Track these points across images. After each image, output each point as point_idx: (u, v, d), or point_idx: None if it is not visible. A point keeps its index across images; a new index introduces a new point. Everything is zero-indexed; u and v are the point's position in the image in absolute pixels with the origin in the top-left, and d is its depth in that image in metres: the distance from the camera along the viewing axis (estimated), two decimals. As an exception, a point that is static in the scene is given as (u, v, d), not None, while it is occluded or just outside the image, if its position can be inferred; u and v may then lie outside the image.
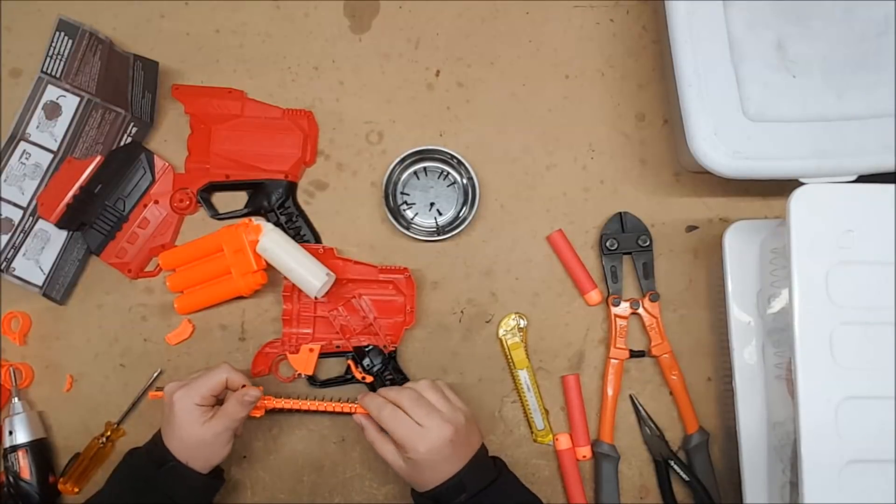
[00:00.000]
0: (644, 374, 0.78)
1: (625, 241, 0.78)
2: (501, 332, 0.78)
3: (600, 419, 0.76)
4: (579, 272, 0.78)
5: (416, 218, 0.80)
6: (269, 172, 0.79)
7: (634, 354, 0.77)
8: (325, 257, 0.76)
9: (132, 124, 0.78)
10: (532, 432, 0.77)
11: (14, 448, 0.74)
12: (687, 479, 0.74)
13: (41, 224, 0.75)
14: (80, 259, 0.78)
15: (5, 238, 0.74)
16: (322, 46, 0.83)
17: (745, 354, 0.72)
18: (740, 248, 0.73)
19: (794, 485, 0.65)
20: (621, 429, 0.77)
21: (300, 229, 0.79)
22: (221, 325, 0.79)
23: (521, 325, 0.78)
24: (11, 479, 0.73)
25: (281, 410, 0.72)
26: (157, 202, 0.79)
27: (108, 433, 0.76)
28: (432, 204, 0.80)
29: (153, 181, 0.79)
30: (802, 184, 0.61)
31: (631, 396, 0.77)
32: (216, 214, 0.79)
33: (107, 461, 0.76)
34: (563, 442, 0.76)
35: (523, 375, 0.77)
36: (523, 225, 0.80)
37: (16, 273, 0.75)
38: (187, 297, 0.77)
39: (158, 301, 0.79)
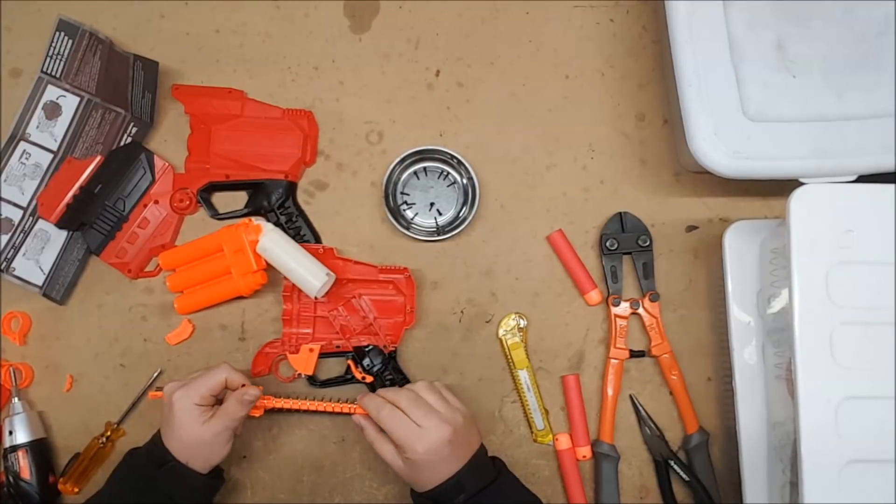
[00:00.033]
0: (644, 374, 0.78)
1: (625, 241, 0.78)
2: (501, 332, 0.78)
3: (600, 419, 0.76)
4: (579, 272, 0.78)
5: (416, 218, 0.80)
6: (269, 172, 0.79)
7: (634, 354, 0.77)
8: (325, 257, 0.76)
9: (132, 124, 0.78)
10: (532, 432, 0.77)
11: (14, 448, 0.74)
12: (687, 479, 0.74)
13: (41, 224, 0.75)
14: (80, 259, 0.78)
15: (5, 238, 0.74)
16: (322, 46, 0.83)
17: (745, 354, 0.72)
18: (740, 248, 0.73)
19: (794, 485, 0.65)
20: (621, 429, 0.77)
21: (300, 229, 0.79)
22: (221, 325, 0.79)
23: (521, 325, 0.78)
24: (11, 479, 0.73)
25: (280, 410, 0.72)
26: (157, 202, 0.79)
27: (108, 433, 0.76)
28: (432, 204, 0.80)
29: (153, 181, 0.79)
30: (802, 184, 0.61)
31: (631, 396, 0.77)
32: (216, 214, 0.79)
33: (107, 461, 0.76)
34: (563, 442, 0.76)
35: (523, 375, 0.77)
36: (523, 225, 0.80)
37: (16, 273, 0.75)
38: (187, 297, 0.77)
39: (158, 301, 0.79)
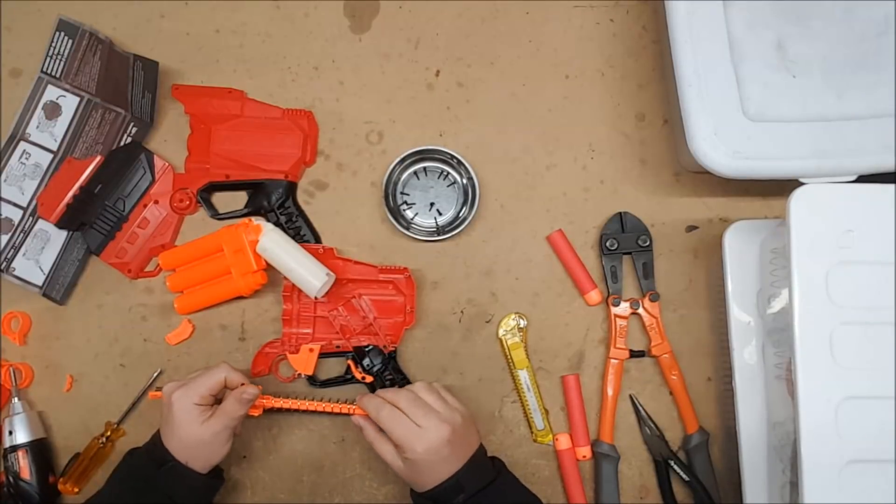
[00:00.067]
0: (644, 374, 0.78)
1: (625, 241, 0.78)
2: (501, 332, 0.78)
3: (600, 419, 0.76)
4: (579, 272, 0.78)
5: (416, 218, 0.80)
6: (269, 172, 0.79)
7: (634, 354, 0.77)
8: (325, 257, 0.76)
9: (132, 124, 0.78)
10: (532, 432, 0.77)
11: (14, 448, 0.74)
12: (687, 479, 0.74)
13: (41, 224, 0.75)
14: (80, 259, 0.78)
15: (5, 238, 0.74)
16: (322, 46, 0.83)
17: (745, 354, 0.72)
18: (740, 248, 0.73)
19: (794, 485, 0.65)
20: (621, 429, 0.77)
21: (300, 229, 0.79)
22: (221, 325, 0.79)
23: (521, 325, 0.78)
24: (11, 479, 0.73)
25: (280, 410, 0.72)
26: (157, 202, 0.79)
27: (108, 433, 0.76)
28: (432, 204, 0.80)
29: (153, 181, 0.79)
30: (802, 184, 0.61)
31: (631, 396, 0.77)
32: (216, 214, 0.79)
33: (107, 461, 0.76)
34: (563, 442, 0.76)
35: (523, 375, 0.77)
36: (523, 225, 0.80)
37: (16, 273, 0.75)
38: (187, 297, 0.77)
39: (158, 301, 0.79)
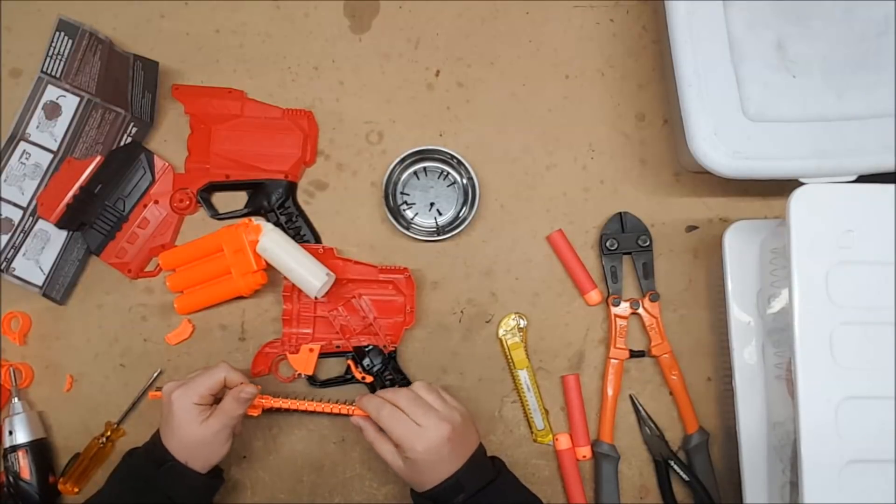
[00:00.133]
0: (644, 374, 0.78)
1: (625, 241, 0.78)
2: (501, 332, 0.78)
3: (600, 419, 0.76)
4: (579, 272, 0.78)
5: (416, 218, 0.80)
6: (269, 172, 0.79)
7: (634, 354, 0.77)
8: (325, 257, 0.76)
9: (132, 124, 0.78)
10: (532, 432, 0.77)
11: (14, 448, 0.74)
12: (687, 479, 0.74)
13: (41, 224, 0.75)
14: (80, 259, 0.78)
15: (5, 238, 0.74)
16: (322, 46, 0.83)
17: (745, 354, 0.72)
18: (740, 248, 0.73)
19: (794, 485, 0.65)
20: (621, 429, 0.77)
21: (300, 229, 0.79)
22: (221, 325, 0.79)
23: (521, 325, 0.78)
24: (11, 479, 0.73)
25: (280, 410, 0.72)
26: (157, 202, 0.79)
27: (108, 433, 0.76)
28: (432, 204, 0.80)
29: (153, 181, 0.79)
30: (802, 184, 0.61)
31: (631, 396, 0.77)
32: (216, 214, 0.79)
33: (107, 461, 0.76)
34: (563, 442, 0.76)
35: (523, 375, 0.77)
36: (523, 225, 0.80)
37: (16, 273, 0.75)
38: (187, 297, 0.77)
39: (158, 301, 0.79)
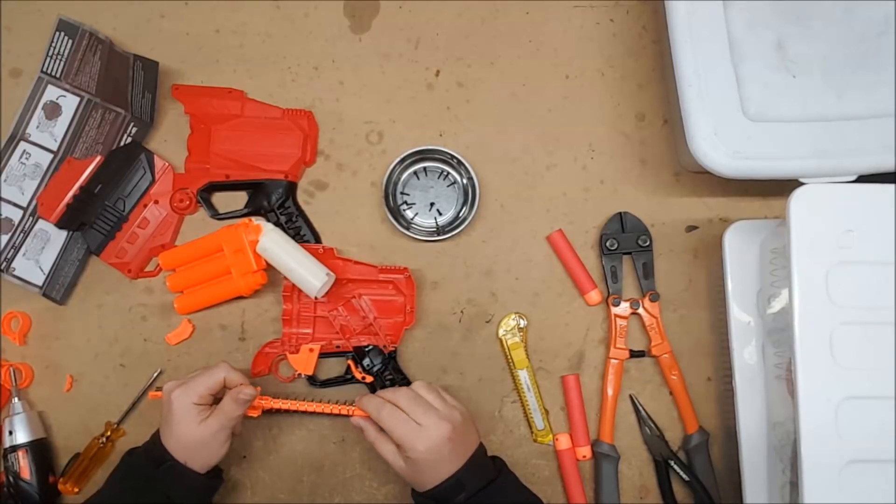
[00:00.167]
0: (644, 374, 0.78)
1: (625, 241, 0.78)
2: (501, 332, 0.78)
3: (600, 419, 0.76)
4: (579, 272, 0.78)
5: (416, 218, 0.80)
6: (269, 172, 0.79)
7: (634, 354, 0.77)
8: (325, 257, 0.76)
9: (132, 124, 0.78)
10: (532, 432, 0.77)
11: (14, 448, 0.74)
12: (687, 479, 0.74)
13: (41, 224, 0.75)
14: (80, 259, 0.78)
15: (5, 238, 0.74)
16: (322, 46, 0.83)
17: (745, 354, 0.72)
18: (740, 248, 0.73)
19: (794, 485, 0.65)
20: (621, 429, 0.77)
21: (300, 229, 0.79)
22: (221, 325, 0.79)
23: (521, 325, 0.78)
24: (11, 479, 0.73)
25: (280, 410, 0.72)
26: (157, 202, 0.79)
27: (108, 433, 0.76)
28: (432, 204, 0.80)
29: (153, 181, 0.79)
30: (802, 184, 0.61)
31: (631, 396, 0.77)
32: (216, 214, 0.79)
33: (107, 461, 0.76)
34: (563, 442, 0.76)
35: (523, 375, 0.77)
36: (523, 225, 0.80)
37: (16, 273, 0.75)
38: (187, 297, 0.77)
39: (158, 301, 0.79)
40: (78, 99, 0.74)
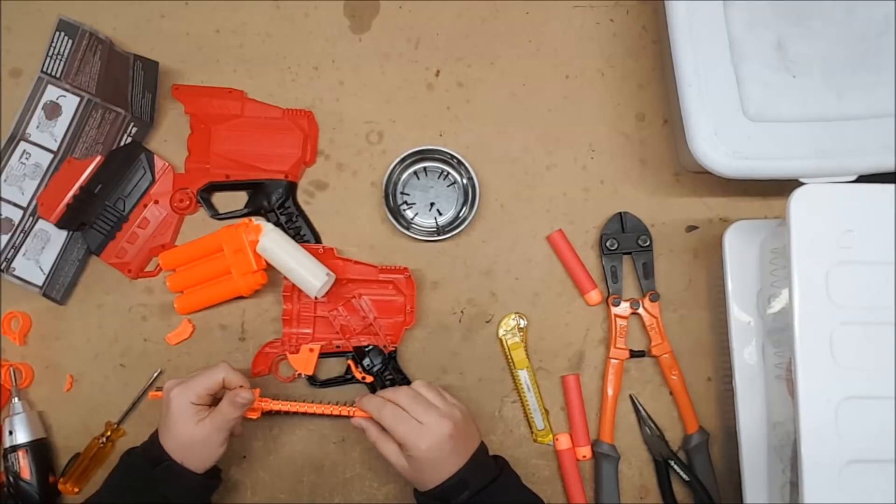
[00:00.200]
0: (644, 374, 0.78)
1: (625, 241, 0.78)
2: (501, 332, 0.78)
3: (600, 419, 0.76)
4: (579, 272, 0.78)
5: (416, 218, 0.80)
6: (269, 172, 0.79)
7: (634, 354, 0.77)
8: (325, 257, 0.76)
9: (132, 124, 0.78)
10: (532, 432, 0.77)
11: (14, 448, 0.74)
12: (687, 479, 0.74)
13: (41, 224, 0.75)
14: (80, 259, 0.78)
15: (5, 238, 0.74)
16: (322, 46, 0.83)
17: (745, 354, 0.72)
18: (740, 248, 0.73)
19: (794, 485, 0.65)
20: (621, 429, 0.77)
21: (300, 229, 0.79)
22: (221, 325, 0.79)
23: (521, 325, 0.78)
24: (11, 479, 0.73)
25: (279, 412, 0.72)
26: (157, 202, 0.79)
27: (108, 433, 0.76)
28: (432, 204, 0.80)
29: (153, 181, 0.79)
30: (802, 184, 0.61)
31: (631, 396, 0.77)
32: (216, 214, 0.79)
33: (107, 461, 0.76)
34: (563, 442, 0.76)
35: (523, 375, 0.77)
36: (523, 225, 0.80)
37: (16, 273, 0.75)
38: (187, 297, 0.77)
39: (158, 301, 0.79)
40: (78, 99, 0.74)
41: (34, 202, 0.74)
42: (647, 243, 0.78)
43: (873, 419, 0.59)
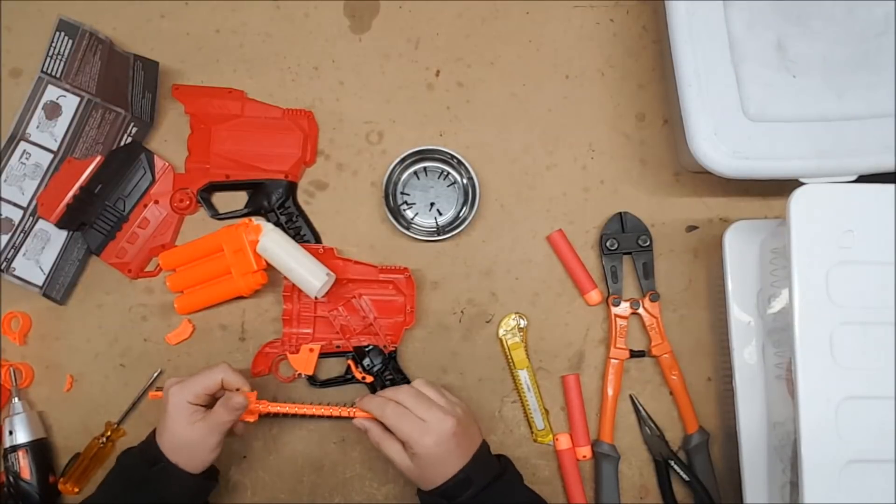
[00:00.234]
0: (644, 374, 0.78)
1: (625, 241, 0.78)
2: (501, 332, 0.78)
3: (600, 419, 0.76)
4: (579, 272, 0.78)
5: (416, 218, 0.80)
6: (269, 172, 0.79)
7: (634, 354, 0.77)
8: (325, 257, 0.76)
9: (132, 124, 0.78)
10: (532, 432, 0.77)
11: (14, 448, 0.74)
12: (687, 479, 0.74)
13: (41, 224, 0.75)
14: (80, 259, 0.78)
15: (5, 238, 0.74)
16: (322, 46, 0.83)
17: (745, 354, 0.72)
18: (740, 248, 0.73)
19: (794, 485, 0.65)
20: (621, 429, 0.77)
21: (300, 229, 0.79)
22: (221, 325, 0.79)
23: (521, 325, 0.78)
24: (11, 479, 0.73)
25: (279, 413, 0.72)
26: (157, 202, 0.79)
27: (108, 433, 0.76)
28: (432, 204, 0.80)
29: (153, 181, 0.79)
30: (802, 184, 0.61)
31: (631, 396, 0.77)
32: (216, 214, 0.79)
33: (107, 461, 0.76)
34: (563, 442, 0.76)
35: (523, 375, 0.77)
36: (523, 225, 0.80)
37: (16, 273, 0.75)
38: (187, 297, 0.77)
39: (158, 301, 0.79)
40: (78, 99, 0.74)
41: (34, 202, 0.74)
42: (647, 243, 0.78)
43: (873, 419, 0.59)
